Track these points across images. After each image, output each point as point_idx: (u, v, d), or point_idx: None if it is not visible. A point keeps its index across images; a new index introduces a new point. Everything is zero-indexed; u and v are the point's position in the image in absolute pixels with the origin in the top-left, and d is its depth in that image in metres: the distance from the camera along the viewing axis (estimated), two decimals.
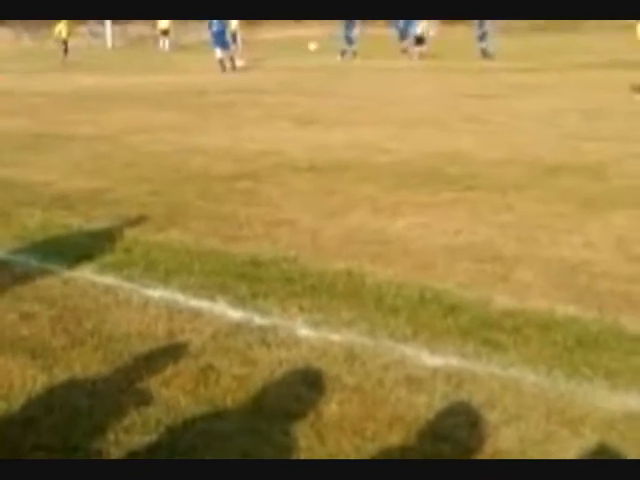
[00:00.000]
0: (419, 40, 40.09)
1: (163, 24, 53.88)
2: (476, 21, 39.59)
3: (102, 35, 64.94)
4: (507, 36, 48.20)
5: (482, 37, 38.98)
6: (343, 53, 40.38)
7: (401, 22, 42.62)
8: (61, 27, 43.01)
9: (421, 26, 39.62)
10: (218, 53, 32.66)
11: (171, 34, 55.13)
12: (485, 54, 38.16)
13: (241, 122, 16.56)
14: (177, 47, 53.54)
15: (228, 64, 32.45)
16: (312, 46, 24.03)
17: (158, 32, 55.21)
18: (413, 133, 14.61)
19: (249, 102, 20.68)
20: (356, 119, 16.82)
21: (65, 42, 42.45)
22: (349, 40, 40.88)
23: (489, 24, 38.63)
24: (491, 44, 38.28)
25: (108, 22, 63.57)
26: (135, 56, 44.85)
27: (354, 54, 40.29)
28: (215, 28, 32.62)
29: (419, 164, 11.45)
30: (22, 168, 11.64)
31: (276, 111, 18.44)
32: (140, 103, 21.20)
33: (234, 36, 37.35)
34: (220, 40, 32.47)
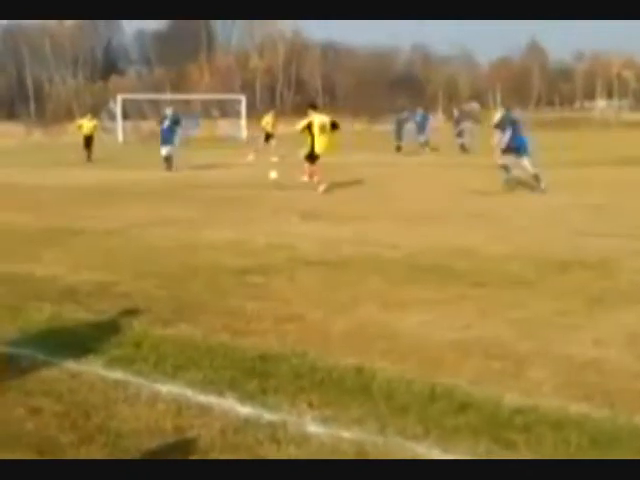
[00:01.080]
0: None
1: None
2: (454, 119, 44.14)
3: (114, 130, 65.61)
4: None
5: (460, 134, 42.30)
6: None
7: (418, 116, 44.00)
8: (82, 122, 41.90)
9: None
10: (163, 151, 30.86)
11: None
12: (463, 149, 40.94)
13: (249, 216, 16.64)
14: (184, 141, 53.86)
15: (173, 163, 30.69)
16: (273, 174, 23.86)
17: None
18: (420, 228, 14.66)
19: (256, 196, 20.83)
20: (363, 214, 16.90)
21: (87, 137, 40.67)
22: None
23: (466, 123, 43.09)
24: (467, 140, 41.47)
25: (119, 118, 64.39)
26: (144, 151, 45.22)
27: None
28: (165, 125, 31.09)
29: (427, 259, 11.47)
30: (30, 263, 11.67)
31: (283, 205, 18.56)
32: (147, 197, 21.36)
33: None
34: (167, 137, 30.83)
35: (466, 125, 43.14)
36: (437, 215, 16.61)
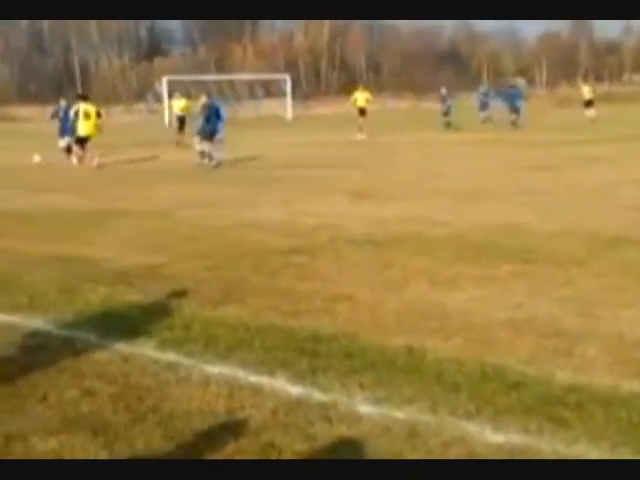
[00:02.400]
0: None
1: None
2: (441, 97, 46.24)
3: (160, 112, 65.80)
4: (559, 107, 48.35)
5: (446, 112, 44.63)
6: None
7: (481, 94, 45.39)
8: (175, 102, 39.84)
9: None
10: (62, 142, 28.98)
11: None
12: (448, 126, 43.34)
13: (296, 196, 16.65)
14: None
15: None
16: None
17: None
18: (468, 206, 14.59)
19: (303, 176, 20.82)
20: (410, 192, 16.85)
21: (180, 117, 38.02)
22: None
23: (451, 101, 45.70)
24: (453, 117, 44.13)
25: (165, 99, 64.59)
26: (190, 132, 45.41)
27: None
28: (62, 115, 29.18)
29: (476, 237, 11.42)
30: (79, 244, 11.78)
31: (330, 185, 18.54)
32: (194, 178, 21.44)
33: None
34: (66, 128, 28.25)
35: (451, 102, 45.38)
36: (487, 192, 16.51)
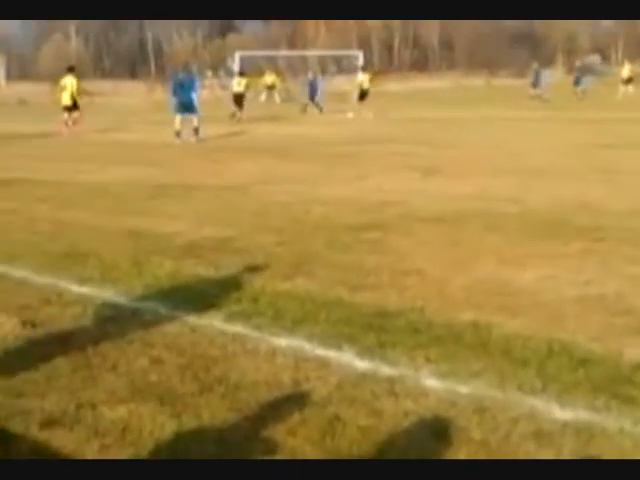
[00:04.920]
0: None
1: (269, 79, 54.28)
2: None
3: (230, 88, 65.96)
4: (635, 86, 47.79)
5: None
6: None
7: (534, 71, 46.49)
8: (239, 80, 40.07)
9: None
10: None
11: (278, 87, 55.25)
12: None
13: (366, 173, 16.62)
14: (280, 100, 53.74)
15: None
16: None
17: (262, 87, 55.16)
18: (539, 183, 14.45)
19: (374, 153, 20.77)
20: (481, 169, 16.73)
21: (239, 95, 38.29)
22: None
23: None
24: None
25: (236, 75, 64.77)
26: (261, 107, 45.56)
27: None
28: None
29: (546, 214, 11.31)
30: (152, 218, 11.89)
31: (400, 161, 18.48)
32: (266, 154, 21.50)
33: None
34: None
35: (587, 78, 44.88)
36: (558, 169, 16.34)
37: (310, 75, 27.68)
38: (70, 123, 29.19)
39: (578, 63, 52.59)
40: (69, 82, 29.67)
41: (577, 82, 49.16)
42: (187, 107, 25.77)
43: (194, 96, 26.01)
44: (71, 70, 30.97)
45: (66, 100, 29.43)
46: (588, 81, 47.43)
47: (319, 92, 39.48)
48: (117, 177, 16.77)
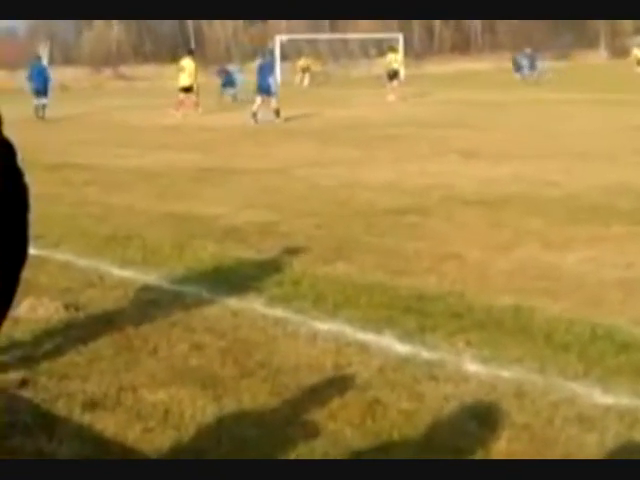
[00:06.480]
0: None
1: (302, 62, 54.77)
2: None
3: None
4: None
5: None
6: None
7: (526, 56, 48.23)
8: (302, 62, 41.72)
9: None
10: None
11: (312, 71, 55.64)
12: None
13: (407, 156, 16.58)
14: (315, 84, 53.65)
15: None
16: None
17: (298, 69, 55.76)
18: (581, 166, 14.34)
19: (415, 136, 20.68)
20: (522, 152, 16.62)
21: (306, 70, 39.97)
22: None
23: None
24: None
25: (278, 59, 64.84)
26: (297, 91, 45.49)
27: None
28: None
29: (589, 198, 11.24)
30: (194, 201, 11.94)
31: (442, 145, 18.38)
32: (309, 137, 21.48)
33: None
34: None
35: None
36: (600, 153, 16.19)
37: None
38: (188, 103, 29.68)
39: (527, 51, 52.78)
40: (187, 64, 30.34)
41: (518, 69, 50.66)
42: (265, 90, 26.42)
43: (271, 80, 26.68)
44: (190, 53, 32.17)
45: (184, 81, 29.99)
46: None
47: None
48: (159, 162, 16.79)
